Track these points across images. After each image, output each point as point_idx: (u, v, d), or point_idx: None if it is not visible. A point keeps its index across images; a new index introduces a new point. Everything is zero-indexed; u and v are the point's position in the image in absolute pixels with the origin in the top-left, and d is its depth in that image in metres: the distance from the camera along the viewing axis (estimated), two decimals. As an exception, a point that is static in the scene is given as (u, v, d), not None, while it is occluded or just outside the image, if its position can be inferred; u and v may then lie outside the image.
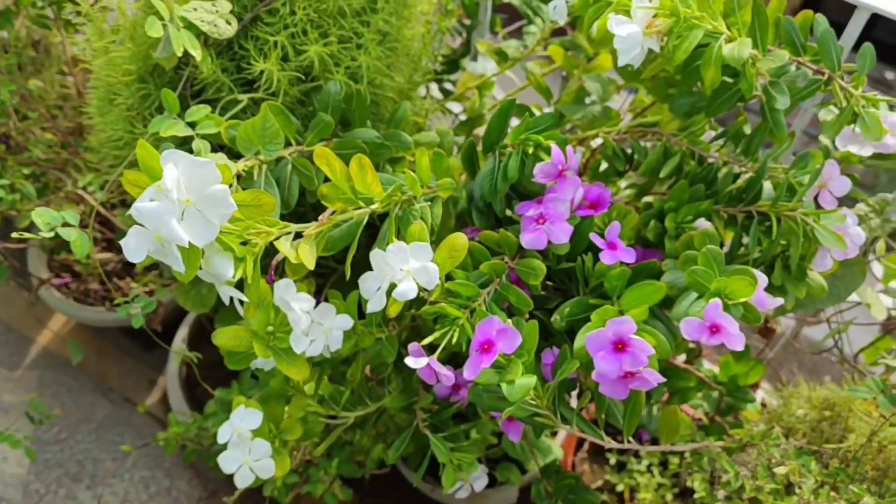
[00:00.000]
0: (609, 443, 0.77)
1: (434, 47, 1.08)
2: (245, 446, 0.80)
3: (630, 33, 0.70)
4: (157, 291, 1.24)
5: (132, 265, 1.48)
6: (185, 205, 0.60)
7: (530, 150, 0.76)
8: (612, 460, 1.37)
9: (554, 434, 1.33)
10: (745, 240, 0.84)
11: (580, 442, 1.41)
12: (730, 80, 0.79)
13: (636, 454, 1.39)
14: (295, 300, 0.77)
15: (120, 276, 1.47)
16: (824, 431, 1.05)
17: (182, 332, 1.40)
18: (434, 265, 0.69)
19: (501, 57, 1.08)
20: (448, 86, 1.23)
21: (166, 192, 0.59)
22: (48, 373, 1.53)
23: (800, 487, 0.80)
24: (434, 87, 1.24)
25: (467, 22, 1.20)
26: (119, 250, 1.46)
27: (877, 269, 1.12)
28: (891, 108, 0.83)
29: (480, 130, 1.22)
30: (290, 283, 0.76)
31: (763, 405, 1.16)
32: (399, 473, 1.23)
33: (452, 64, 1.20)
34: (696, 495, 1.21)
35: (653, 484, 1.33)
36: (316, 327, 0.79)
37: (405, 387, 0.91)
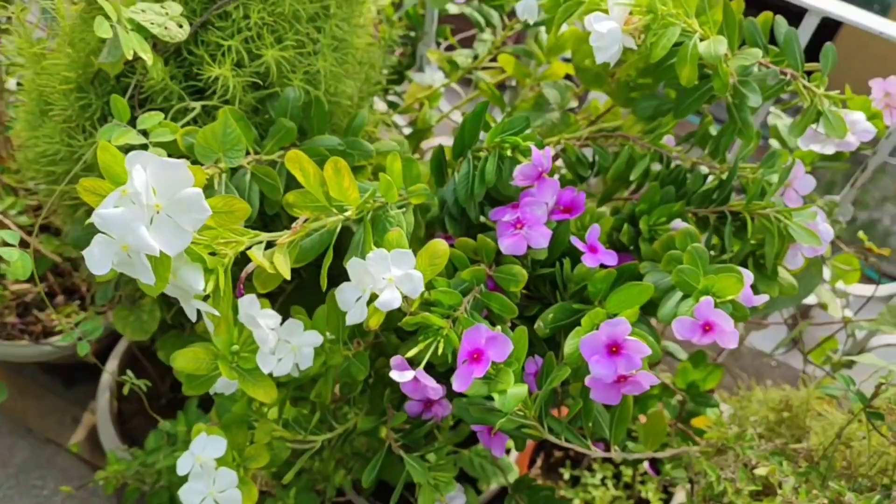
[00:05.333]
0: (595, 453, 0.75)
1: (379, 57, 1.05)
2: (209, 477, 0.74)
3: (610, 29, 0.69)
4: (91, 319, 1.15)
5: (52, 296, 1.39)
6: (155, 210, 0.55)
7: (507, 153, 0.74)
8: (566, 475, 1.35)
9: (507, 451, 1.30)
10: (716, 240, 0.84)
11: (533, 458, 1.39)
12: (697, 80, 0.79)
13: (590, 467, 1.38)
14: (261, 316, 0.72)
15: (39, 307, 1.37)
16: (782, 433, 1.06)
17: (111, 364, 1.31)
18: (418, 272, 0.66)
19: (452, 66, 1.06)
20: (392, 97, 1.20)
21: (134, 196, 0.53)
22: (-41, 416, 1.41)
23: (780, 487, 0.80)
24: (377, 99, 1.20)
25: (412, 33, 1.17)
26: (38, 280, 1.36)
27: (824, 270, 1.14)
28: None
29: (427, 143, 1.19)
30: (254, 299, 0.71)
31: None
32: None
33: (398, 75, 1.17)
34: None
35: (608, 497, 1.32)
36: (283, 345, 0.74)
37: (373, 406, 0.86)
